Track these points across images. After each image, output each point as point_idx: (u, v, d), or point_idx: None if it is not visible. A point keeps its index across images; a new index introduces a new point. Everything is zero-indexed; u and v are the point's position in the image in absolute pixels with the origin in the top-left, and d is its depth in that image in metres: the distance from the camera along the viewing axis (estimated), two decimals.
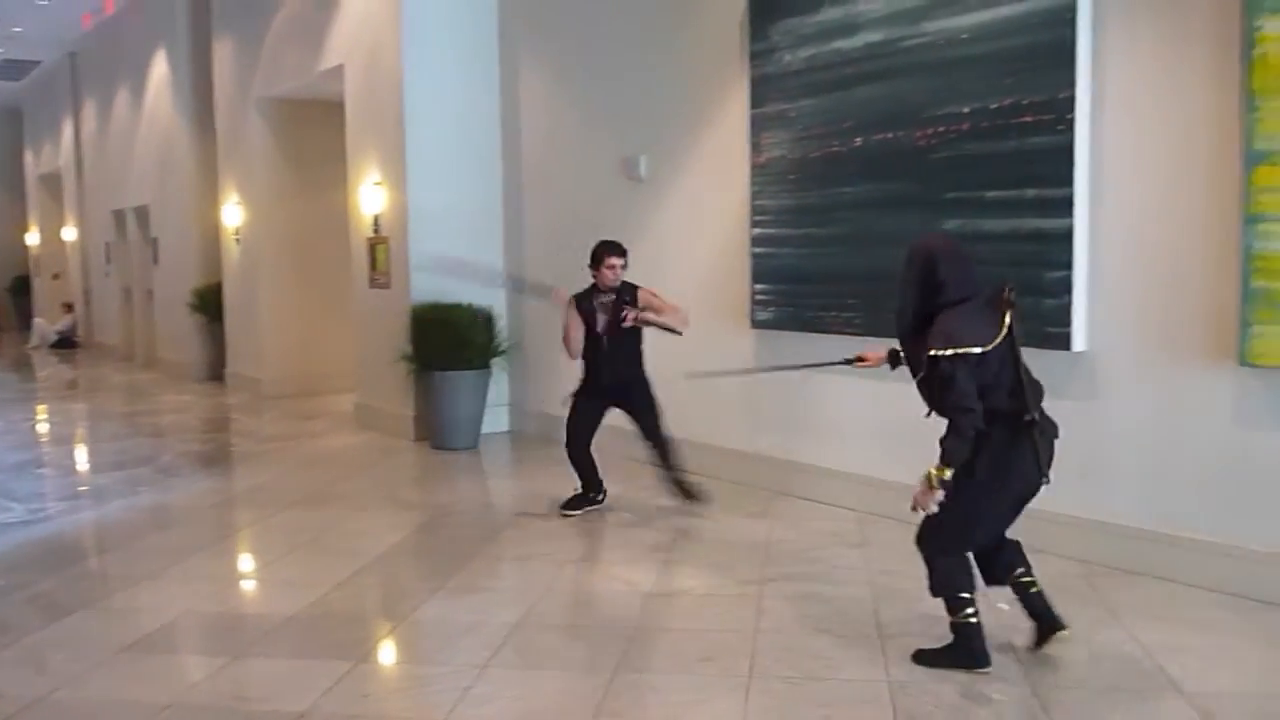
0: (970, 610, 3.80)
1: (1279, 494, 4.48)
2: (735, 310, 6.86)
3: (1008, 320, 3.73)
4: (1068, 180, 5.00)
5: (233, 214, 12.45)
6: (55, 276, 21.68)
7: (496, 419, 8.96)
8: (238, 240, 12.42)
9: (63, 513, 6.79)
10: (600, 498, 6.33)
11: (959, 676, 3.77)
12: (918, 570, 3.95)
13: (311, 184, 11.78)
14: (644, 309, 6.06)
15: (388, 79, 8.85)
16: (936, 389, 3.72)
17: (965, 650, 3.81)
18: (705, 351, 7.14)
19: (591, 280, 6.13)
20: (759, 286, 6.61)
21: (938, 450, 3.69)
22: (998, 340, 3.69)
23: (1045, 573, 4.77)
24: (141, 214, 15.60)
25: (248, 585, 5.40)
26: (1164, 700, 3.59)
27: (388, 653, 4.34)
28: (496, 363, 8.65)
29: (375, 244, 9.23)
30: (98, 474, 8.16)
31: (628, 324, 5.97)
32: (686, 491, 6.18)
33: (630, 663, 3.99)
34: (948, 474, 3.67)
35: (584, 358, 6.15)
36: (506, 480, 7.89)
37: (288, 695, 3.75)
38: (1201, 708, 3.49)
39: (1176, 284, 4.78)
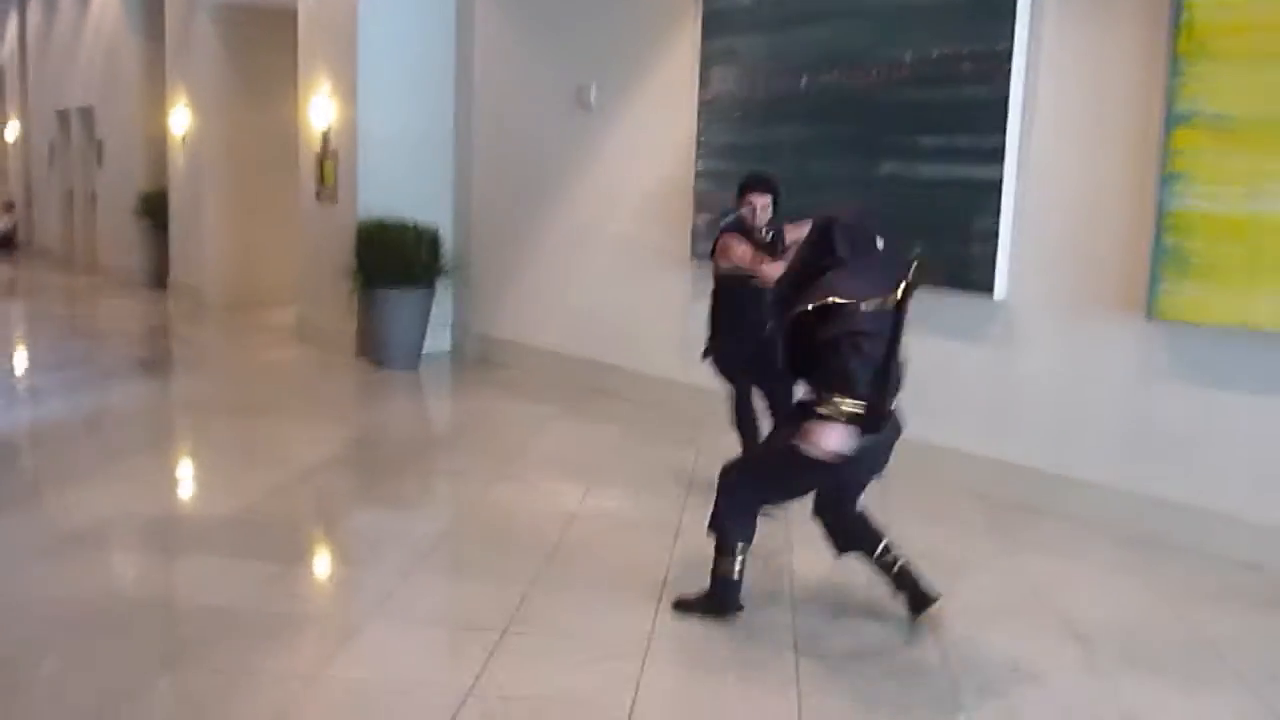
0: (738, 563, 3.70)
1: (1177, 443, 4.72)
2: (677, 240, 6.97)
3: (901, 292, 3.38)
4: (1000, 130, 5.15)
5: (180, 119, 12.27)
6: None
7: (438, 339, 9.03)
8: (184, 146, 12.25)
9: (1, 411, 6.81)
10: None
11: (856, 585, 3.99)
12: None
13: (261, 94, 11.62)
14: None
15: None
16: (813, 336, 3.32)
17: (719, 600, 3.74)
18: (648, 279, 7.28)
19: (734, 219, 5.07)
20: (702, 216, 6.72)
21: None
22: (882, 305, 3.34)
23: (952, 509, 5.02)
24: (86, 115, 15.30)
25: (182, 488, 5.49)
26: (1046, 625, 3.83)
27: (317, 557, 4.48)
28: (440, 283, 8.71)
29: (323, 158, 9.19)
30: (34, 375, 8.15)
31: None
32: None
33: (548, 575, 4.16)
34: (849, 405, 3.24)
35: (724, 309, 5.09)
36: (444, 399, 8.00)
37: (219, 592, 3.88)
38: (1078, 633, 3.74)
39: (1094, 238, 4.97)
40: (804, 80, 6.02)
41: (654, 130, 7.18)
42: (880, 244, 3.48)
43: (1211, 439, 4.62)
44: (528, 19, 8.29)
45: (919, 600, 3.66)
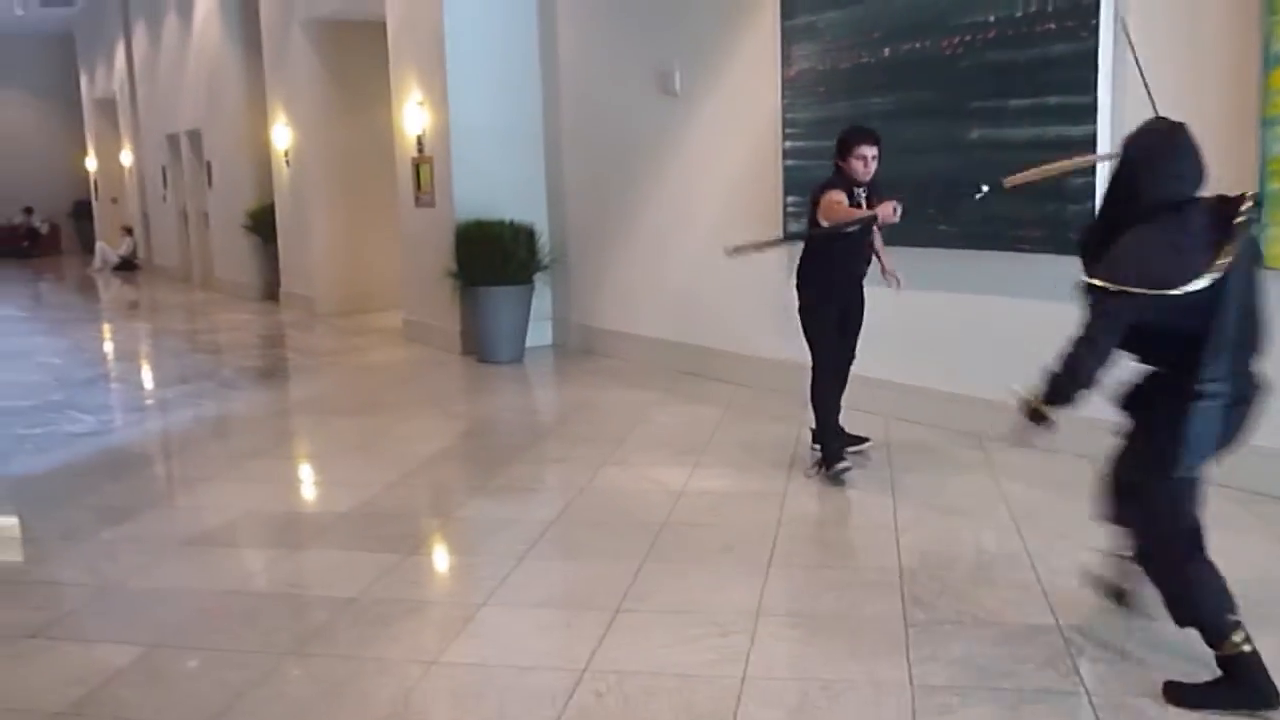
0: (1241, 636, 2.85)
1: None
2: (768, 222, 6.98)
3: (1228, 252, 2.70)
4: (1091, 87, 5.05)
5: (282, 135, 12.69)
6: (114, 200, 22.20)
7: (540, 333, 9.21)
8: (287, 162, 12.67)
9: (130, 424, 7.19)
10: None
11: (963, 558, 3.99)
12: (931, 466, 4.13)
13: (356, 104, 11.97)
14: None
15: (427, 2, 8.96)
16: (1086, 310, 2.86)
17: (1248, 692, 2.87)
18: (739, 262, 7.30)
19: (835, 169, 5.07)
20: (791, 198, 6.72)
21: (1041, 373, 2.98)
22: (1203, 280, 2.68)
23: (1058, 474, 4.94)
24: (194, 137, 15.91)
25: (303, 487, 5.73)
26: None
27: (434, 546, 4.63)
28: (539, 278, 8.87)
29: (419, 163, 9.42)
30: (161, 388, 8.56)
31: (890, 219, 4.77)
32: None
33: (658, 553, 4.25)
34: (1046, 410, 2.95)
35: (819, 259, 5.17)
36: (549, 390, 8.15)
37: (340, 583, 4.05)
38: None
39: None
40: (886, 50, 5.98)
41: (739, 111, 7.20)
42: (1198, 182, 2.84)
43: None
44: (607, 9, 8.37)
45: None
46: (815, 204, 5.02)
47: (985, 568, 4.00)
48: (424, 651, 3.45)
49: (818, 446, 5.28)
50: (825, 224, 4.93)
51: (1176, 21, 4.83)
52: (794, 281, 5.31)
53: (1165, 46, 4.88)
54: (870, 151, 4.95)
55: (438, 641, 3.53)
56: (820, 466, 5.17)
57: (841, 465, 5.06)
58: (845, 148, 4.99)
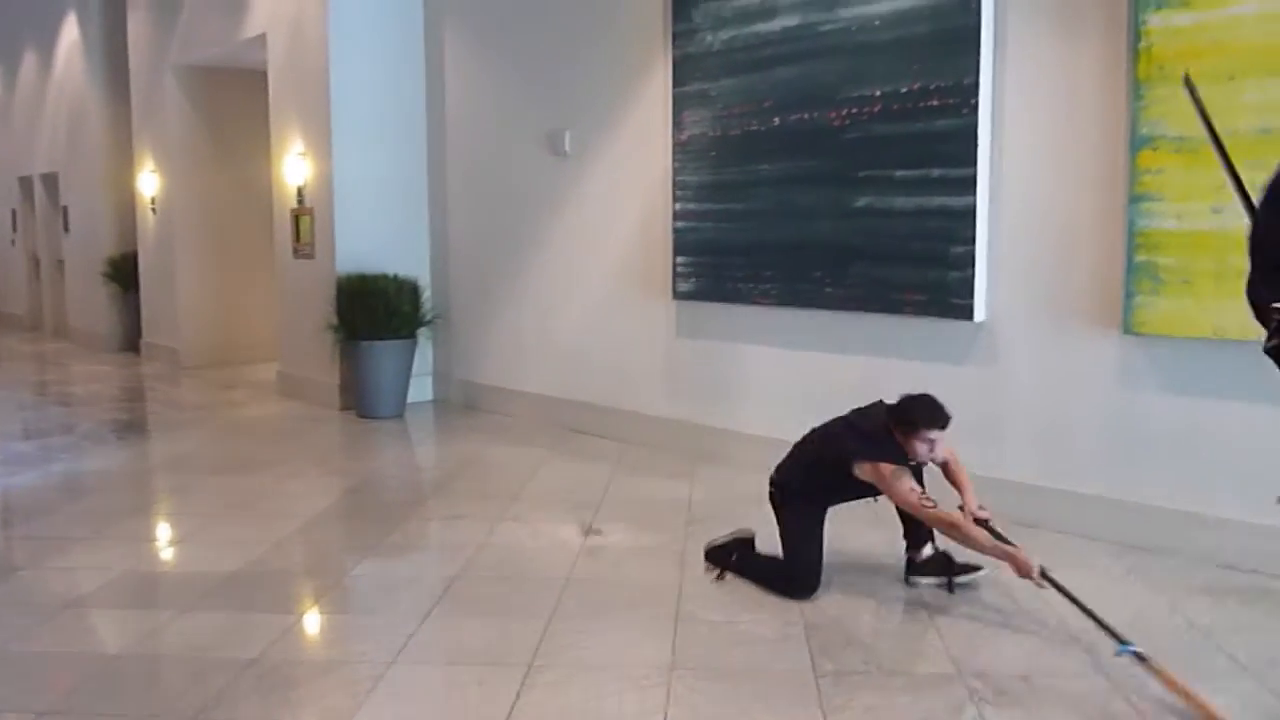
0: None
1: (1158, 451, 4.90)
2: (657, 281, 7.12)
3: None
4: (971, 161, 5.35)
5: (149, 182, 12.31)
6: None
7: (421, 388, 9.12)
8: (154, 209, 12.29)
9: None
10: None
11: (865, 609, 4.11)
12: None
13: (230, 153, 11.73)
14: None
15: (312, 49, 8.89)
16: None
17: None
18: (629, 319, 7.41)
19: (888, 436, 4.26)
20: (680, 259, 6.86)
21: None
22: None
23: None
24: (50, 181, 15.28)
25: (185, 546, 5.50)
26: (1050, 631, 3.95)
27: (331, 605, 4.52)
28: (422, 332, 8.80)
29: (299, 214, 9.28)
30: (18, 441, 8.12)
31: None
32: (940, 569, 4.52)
33: (564, 609, 4.25)
34: None
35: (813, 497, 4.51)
36: (435, 446, 8.06)
37: (238, 645, 3.92)
38: (1081, 638, 3.87)
39: (1068, 258, 5.16)
40: (777, 119, 6.21)
41: (630, 172, 7.34)
42: None
43: (1193, 445, 4.80)
44: (497, 67, 8.45)
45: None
46: (841, 459, 4.28)
47: (886, 618, 4.13)
48: (336, 713, 3.37)
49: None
50: (859, 476, 4.23)
51: (1054, 103, 5.17)
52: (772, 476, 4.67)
53: (1043, 126, 5.21)
54: (938, 436, 4.21)
55: (349, 702, 3.45)
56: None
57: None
58: (910, 425, 4.22)
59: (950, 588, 4.37)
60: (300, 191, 9.24)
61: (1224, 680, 3.55)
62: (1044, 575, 3.94)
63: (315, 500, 6.11)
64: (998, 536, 4.15)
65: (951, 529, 4.06)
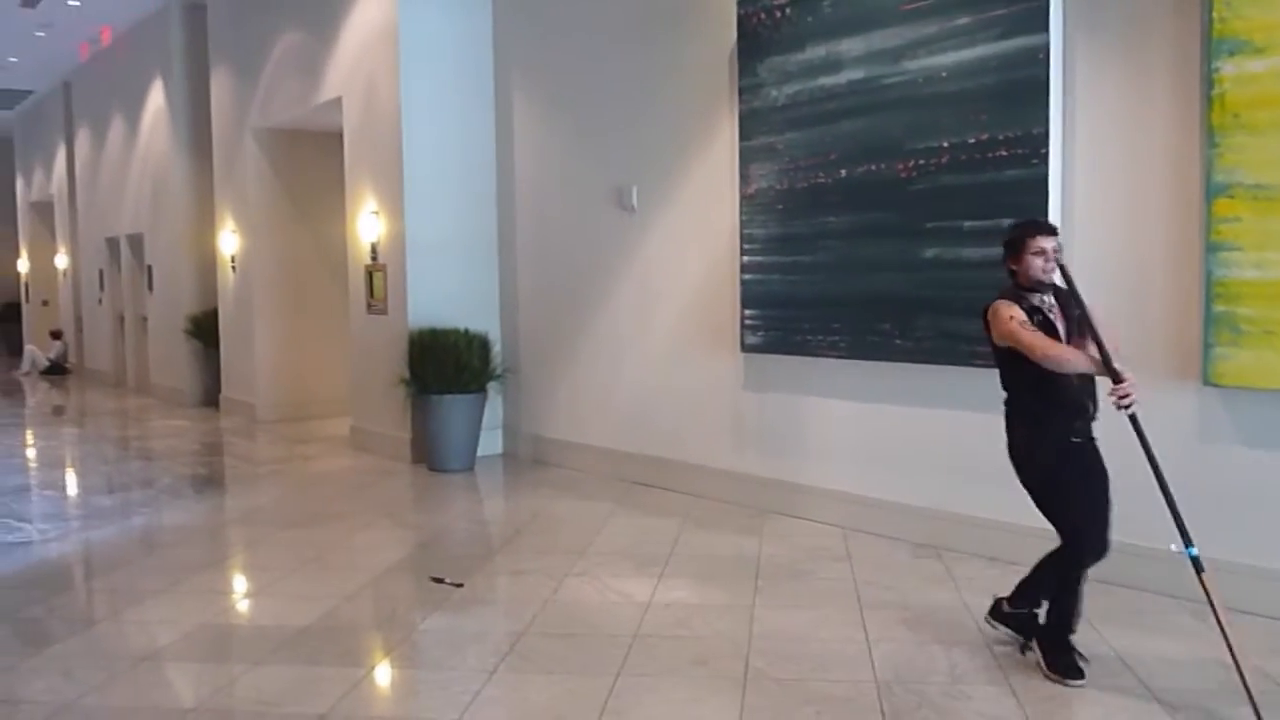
0: None
1: (1241, 505, 4.74)
2: (725, 335, 7.11)
3: None
4: (1042, 210, 5.27)
5: (229, 242, 12.67)
6: (45, 303, 21.80)
7: (491, 441, 9.18)
8: (234, 267, 12.62)
9: (72, 532, 6.97)
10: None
11: (938, 670, 4.02)
12: (894, 579, 4.17)
13: (306, 212, 12.04)
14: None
15: (385, 111, 9.11)
16: None
17: None
18: (696, 373, 7.41)
19: (1010, 279, 4.11)
20: (748, 312, 6.86)
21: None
22: None
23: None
24: (135, 241, 15.79)
25: (258, 599, 5.58)
26: (1132, 695, 3.82)
27: (399, 660, 4.54)
28: (492, 386, 8.88)
29: (373, 271, 9.46)
30: (102, 495, 8.33)
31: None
32: (1023, 629, 4.28)
33: (631, 667, 4.21)
34: None
35: (1039, 391, 4.03)
36: (503, 500, 8.09)
37: (308, 699, 3.95)
38: (1165, 701, 3.74)
39: (1143, 309, 5.05)
40: (843, 171, 6.20)
41: (697, 226, 7.38)
42: None
43: (1274, 499, 4.64)
44: (567, 123, 8.58)
45: None
46: (987, 326, 4.08)
47: (959, 680, 4.03)
48: None
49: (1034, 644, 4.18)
50: (997, 341, 4.04)
51: (1125, 151, 5.10)
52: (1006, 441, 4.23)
53: (1114, 175, 5.14)
54: (1049, 244, 3.98)
55: None
56: (1043, 666, 4.08)
57: (1074, 680, 3.97)
58: (1016, 245, 4.03)
59: (1024, 650, 4.25)
60: (374, 248, 9.43)
61: None
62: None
63: (385, 554, 6.16)
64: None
65: (1046, 352, 3.82)
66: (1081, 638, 4.15)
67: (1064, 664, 4.00)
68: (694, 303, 7.47)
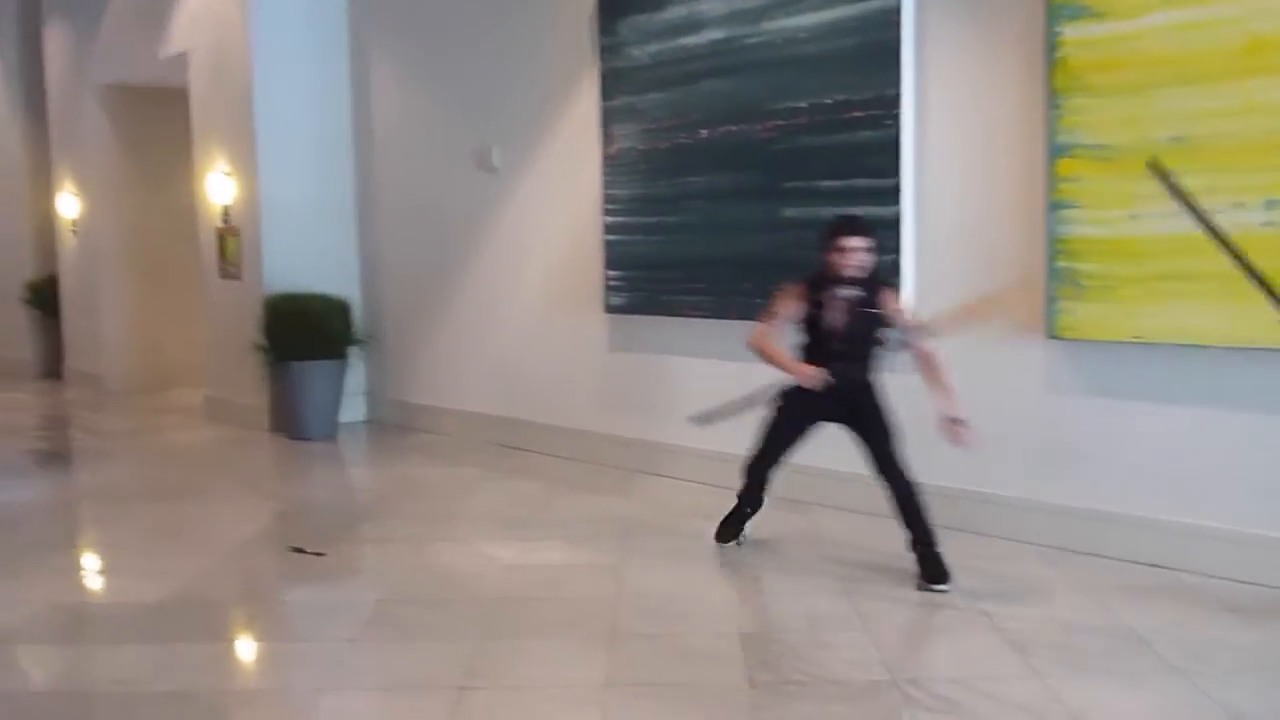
0: None
1: (1085, 453, 4.98)
2: (589, 296, 7.10)
3: None
4: (894, 171, 5.41)
5: (69, 205, 12.04)
6: None
7: (354, 408, 9.00)
8: (75, 232, 12.02)
9: None
10: (750, 512, 5.27)
11: (800, 620, 4.13)
12: (761, 534, 4.25)
13: (154, 173, 11.50)
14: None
15: (235, 67, 8.77)
16: None
17: None
18: (563, 334, 7.39)
19: (820, 264, 4.76)
20: (612, 273, 6.86)
21: None
22: None
23: (879, 539, 5.17)
24: None
25: (110, 577, 5.36)
26: (984, 635, 4.00)
27: (260, 633, 4.43)
28: (353, 352, 8.69)
29: (225, 234, 9.13)
30: None
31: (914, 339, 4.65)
32: (927, 565, 4.60)
33: (498, 630, 4.20)
34: None
35: (806, 358, 4.81)
36: (368, 467, 7.96)
37: (164, 677, 3.81)
38: (1013, 641, 3.92)
39: (992, 265, 5.24)
40: (704, 132, 6.24)
41: (560, 187, 7.33)
42: None
43: (1116, 447, 4.88)
44: (427, 82, 8.40)
45: None
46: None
47: (820, 628, 4.14)
48: None
49: None
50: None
51: (975, 113, 5.25)
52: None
53: (965, 137, 5.29)
54: (855, 244, 4.62)
55: None
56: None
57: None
58: (827, 239, 4.70)
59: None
60: (226, 211, 9.09)
61: (1154, 678, 3.61)
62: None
63: (244, 526, 5.99)
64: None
65: (750, 339, 4.83)
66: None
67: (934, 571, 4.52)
68: (559, 264, 7.43)
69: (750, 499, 5.20)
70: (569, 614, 4.38)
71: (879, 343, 4.73)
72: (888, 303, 4.73)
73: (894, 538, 4.72)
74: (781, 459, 5.03)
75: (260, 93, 8.61)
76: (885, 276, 5.05)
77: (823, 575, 4.76)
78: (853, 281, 4.66)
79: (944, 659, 3.82)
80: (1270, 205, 4.30)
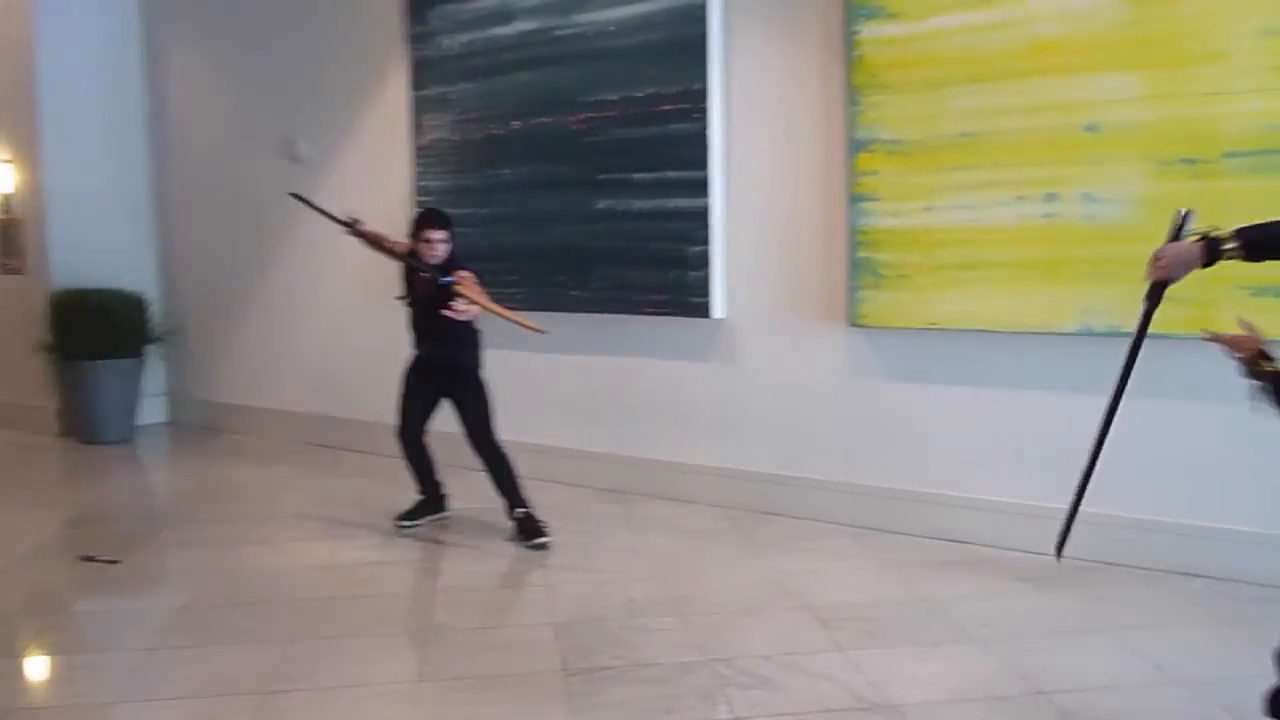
0: None
1: (886, 436, 5.20)
2: (400, 289, 6.94)
3: None
4: (703, 164, 5.52)
5: None
6: None
7: (153, 409, 8.57)
8: None
9: None
10: (444, 504, 5.63)
11: (616, 607, 4.16)
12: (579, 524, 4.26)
13: None
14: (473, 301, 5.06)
15: (14, 44, 8.20)
16: None
17: None
18: (375, 329, 7.22)
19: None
20: None
21: None
22: None
23: (694, 524, 5.26)
24: None
25: None
26: (792, 613, 4.12)
27: (49, 646, 4.17)
28: (150, 350, 8.28)
29: (7, 226, 8.53)
30: None
31: (459, 317, 5.01)
32: (526, 525, 5.13)
33: (309, 630, 4.07)
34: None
35: (413, 325, 5.44)
36: (170, 470, 7.59)
37: None
38: (821, 617, 4.06)
39: (798, 256, 5.40)
40: (518, 123, 6.20)
41: (370, 178, 7.15)
42: None
43: (916, 429, 5.12)
44: (228, 67, 8.07)
45: None
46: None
47: (636, 614, 4.18)
48: None
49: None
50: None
51: (779, 110, 5.41)
52: None
53: (770, 131, 5.44)
54: (435, 235, 5.21)
55: None
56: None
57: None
58: (414, 230, 5.33)
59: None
60: (7, 201, 8.50)
61: (951, 646, 3.80)
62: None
63: (29, 536, 5.61)
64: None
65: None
66: (744, 562, 4.40)
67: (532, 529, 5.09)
68: (370, 257, 7.20)
69: (427, 485, 5.61)
70: (385, 611, 4.29)
71: (466, 324, 5.12)
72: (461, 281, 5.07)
73: (712, 520, 4.81)
74: (419, 429, 5.55)
75: (44, 75, 8.08)
76: (464, 262, 5.30)
77: (641, 562, 4.80)
78: (435, 267, 5.15)
79: (755, 638, 3.91)
80: (1049, 198, 4.58)
